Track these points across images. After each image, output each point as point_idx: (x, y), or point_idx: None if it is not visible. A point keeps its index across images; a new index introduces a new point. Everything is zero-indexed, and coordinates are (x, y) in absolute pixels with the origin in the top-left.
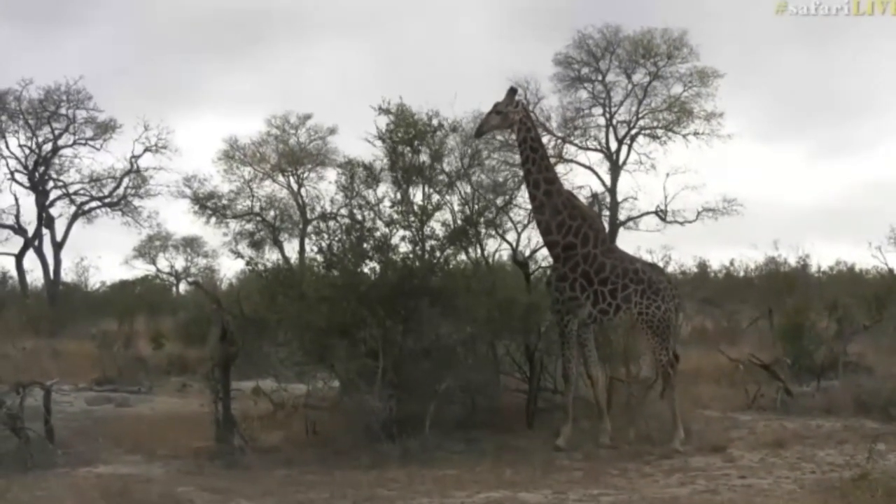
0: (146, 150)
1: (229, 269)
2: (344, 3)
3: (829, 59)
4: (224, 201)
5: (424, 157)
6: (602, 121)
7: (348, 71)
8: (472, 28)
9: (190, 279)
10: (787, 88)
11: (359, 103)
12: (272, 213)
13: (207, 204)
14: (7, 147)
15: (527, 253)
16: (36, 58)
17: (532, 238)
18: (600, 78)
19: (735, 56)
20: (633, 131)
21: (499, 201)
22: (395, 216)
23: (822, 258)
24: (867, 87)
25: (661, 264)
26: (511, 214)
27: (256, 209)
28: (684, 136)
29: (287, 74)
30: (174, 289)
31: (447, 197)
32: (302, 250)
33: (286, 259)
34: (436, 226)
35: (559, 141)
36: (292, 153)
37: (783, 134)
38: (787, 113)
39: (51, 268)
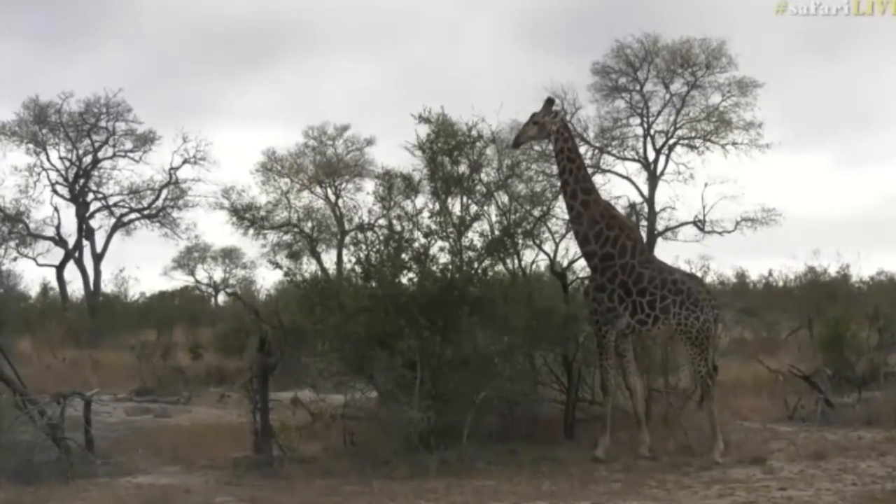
0: (185, 161)
1: (267, 280)
2: (365, 14)
3: (855, 65)
4: (262, 212)
5: (463, 168)
6: (640, 131)
7: (373, 83)
8: (492, 37)
9: (228, 290)
10: (814, 96)
11: (385, 115)
12: (310, 224)
13: (245, 215)
14: (48, 159)
15: (564, 263)
16: (53, 74)
17: (570, 249)
18: (638, 88)
19: (759, 65)
20: (671, 141)
21: (536, 212)
22: (434, 227)
23: (864, 267)
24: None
25: (699, 274)
26: (548, 225)
27: (294, 220)
28: (723, 146)
29: (306, 87)
30: (213, 300)
31: (485, 207)
32: (339, 261)
33: (324, 270)
34: (474, 236)
35: (596, 151)
36: (330, 164)
37: (814, 142)
38: (816, 121)
39: (91, 279)
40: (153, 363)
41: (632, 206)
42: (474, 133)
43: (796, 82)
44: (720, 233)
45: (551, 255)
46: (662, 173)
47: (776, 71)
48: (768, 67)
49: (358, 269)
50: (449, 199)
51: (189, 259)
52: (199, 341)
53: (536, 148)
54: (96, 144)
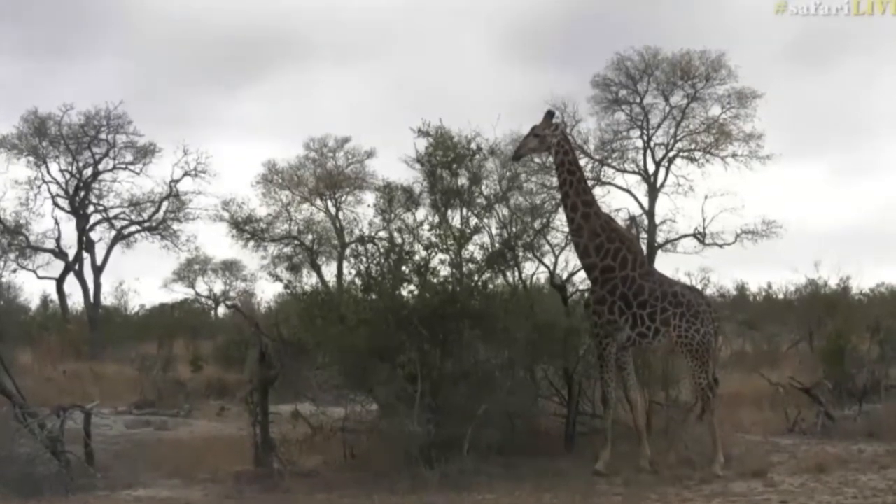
0: (185, 174)
1: (267, 292)
2: (365, 25)
3: (854, 72)
4: (262, 225)
5: (463, 181)
6: (640, 143)
7: (374, 95)
8: (492, 50)
9: (228, 303)
10: (812, 105)
11: (386, 127)
12: (310, 236)
13: (245, 227)
14: (48, 172)
15: (564, 276)
16: (53, 87)
17: (570, 261)
18: (638, 100)
19: (756, 76)
20: (671, 154)
21: (536, 224)
22: (434, 239)
23: (864, 280)
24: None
25: (699, 287)
26: (549, 237)
27: (294, 233)
28: (723, 158)
29: (307, 99)
30: (213, 312)
31: (485, 220)
32: (340, 274)
33: (324, 282)
34: (474, 249)
35: (597, 163)
36: (330, 176)
37: (815, 152)
38: (815, 131)
39: (91, 292)
40: (153, 376)
41: (632, 218)
42: (473, 146)
43: (794, 92)
44: (720, 245)
45: (551, 267)
46: (662, 185)
47: (774, 81)
48: (766, 78)
49: (358, 281)
50: (449, 212)
51: (189, 271)
52: (199, 354)
53: (536, 160)
54: (97, 157)
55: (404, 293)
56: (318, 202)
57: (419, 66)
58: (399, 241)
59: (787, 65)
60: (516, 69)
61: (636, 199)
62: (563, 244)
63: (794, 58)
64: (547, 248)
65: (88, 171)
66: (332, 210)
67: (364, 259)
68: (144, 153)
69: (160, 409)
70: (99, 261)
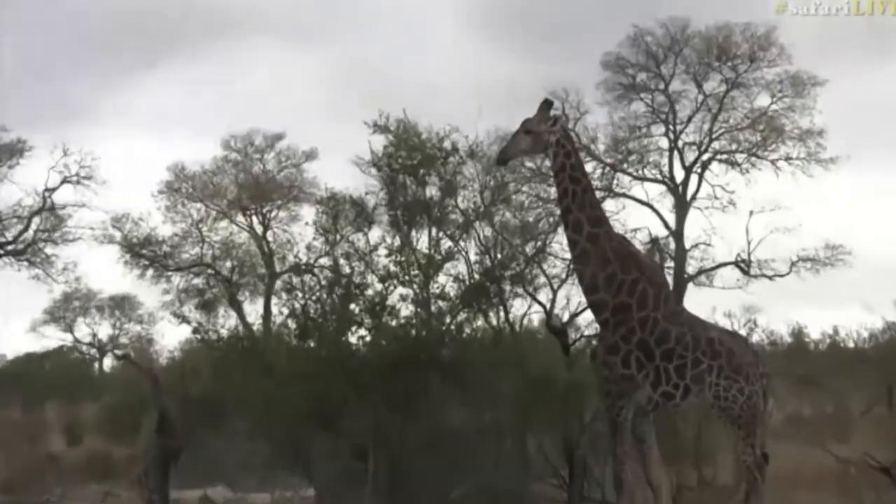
0: (64, 180)
1: (171, 337)
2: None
3: None
4: (165, 248)
5: (433, 190)
6: (664, 142)
7: (315, 81)
8: (469, 24)
9: (118, 352)
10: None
11: (331, 121)
12: (228, 263)
13: (143, 252)
14: None
15: (565, 317)
16: None
17: (572, 297)
18: (662, 86)
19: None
20: (706, 156)
21: (528, 249)
22: (393, 268)
23: None
24: None
25: (743, 332)
26: (544, 266)
27: (208, 259)
28: (773, 161)
29: (227, 85)
30: (97, 365)
31: (461, 243)
32: (267, 313)
33: (246, 324)
34: (446, 281)
35: (608, 169)
36: (257, 185)
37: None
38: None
39: None
40: (15, 449)
41: (654, 241)
42: (447, 145)
43: (863, 82)
44: (770, 277)
45: (548, 305)
46: (694, 198)
47: (838, 68)
48: (827, 64)
49: (292, 323)
50: (413, 232)
51: (66, 310)
52: (77, 420)
53: (529, 164)
54: None
55: (353, 339)
56: (240, 218)
57: (377, 46)
58: (346, 270)
59: (852, 48)
60: (503, 48)
61: (660, 215)
62: (563, 275)
63: (862, 40)
64: (542, 280)
65: None
66: (259, 229)
67: (300, 294)
68: (10, 153)
69: (24, 495)
70: None
